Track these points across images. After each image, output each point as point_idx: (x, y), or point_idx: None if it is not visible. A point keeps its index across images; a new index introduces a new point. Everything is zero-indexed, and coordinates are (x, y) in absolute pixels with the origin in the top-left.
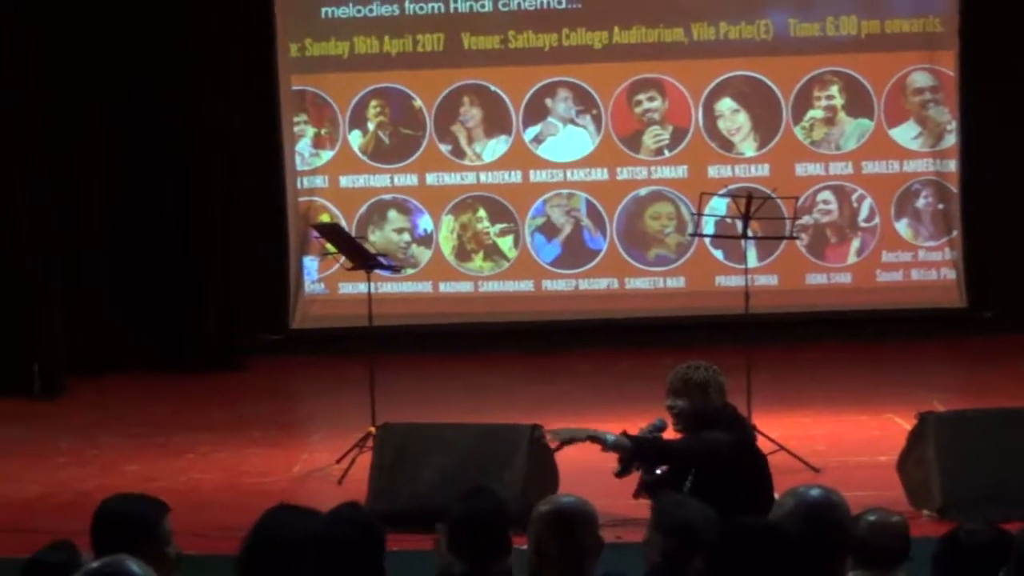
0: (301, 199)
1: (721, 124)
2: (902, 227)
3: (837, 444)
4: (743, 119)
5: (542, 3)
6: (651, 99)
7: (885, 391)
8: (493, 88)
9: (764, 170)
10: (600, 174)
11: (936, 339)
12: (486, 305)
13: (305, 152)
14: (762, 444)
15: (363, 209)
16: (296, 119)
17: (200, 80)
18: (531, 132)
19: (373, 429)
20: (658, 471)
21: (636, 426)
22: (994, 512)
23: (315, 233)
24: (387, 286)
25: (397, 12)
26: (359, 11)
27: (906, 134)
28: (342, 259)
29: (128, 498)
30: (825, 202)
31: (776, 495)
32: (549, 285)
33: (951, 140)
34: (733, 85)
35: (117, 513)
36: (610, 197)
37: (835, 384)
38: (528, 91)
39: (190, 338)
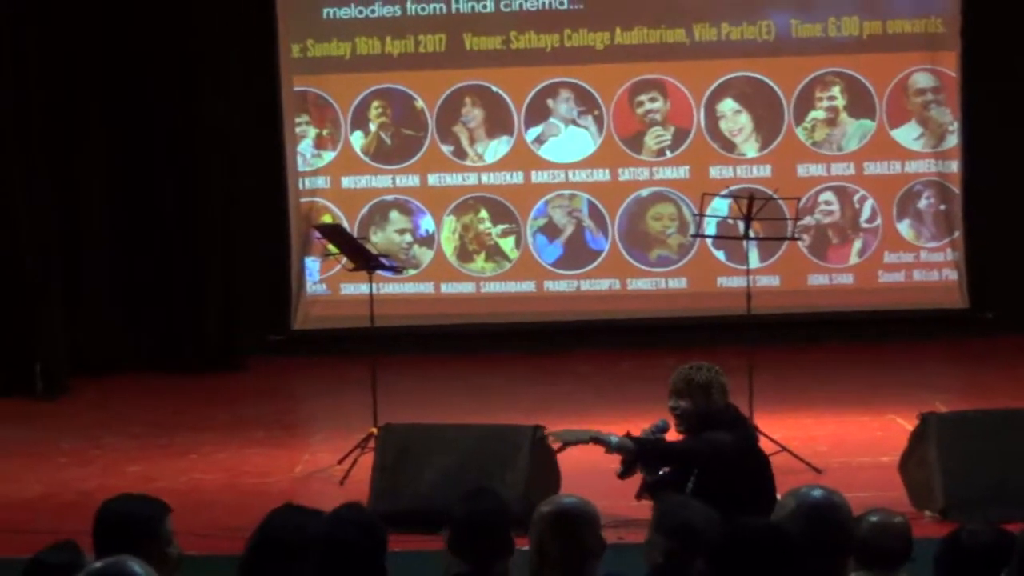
0: (303, 200)
1: (723, 125)
2: (904, 228)
3: (839, 445)
4: (745, 120)
5: (544, 4)
6: (653, 100)
7: (887, 392)
8: (495, 89)
9: (766, 171)
10: (602, 175)
11: (938, 340)
12: (488, 306)
13: (307, 153)
14: (764, 445)
15: (365, 210)
16: (298, 120)
17: (200, 80)
18: (533, 133)
19: (375, 430)
20: (661, 472)
21: (638, 427)
22: (996, 513)
23: (317, 234)
24: (389, 287)
25: (399, 13)
26: (361, 12)
27: (908, 135)
28: (344, 260)
29: (129, 498)
30: (827, 203)
31: (778, 496)
32: (551, 286)
33: (953, 141)
34: (735, 86)
35: (118, 513)
36: (612, 198)
37: (837, 385)
38: (530, 92)
39: (190, 338)
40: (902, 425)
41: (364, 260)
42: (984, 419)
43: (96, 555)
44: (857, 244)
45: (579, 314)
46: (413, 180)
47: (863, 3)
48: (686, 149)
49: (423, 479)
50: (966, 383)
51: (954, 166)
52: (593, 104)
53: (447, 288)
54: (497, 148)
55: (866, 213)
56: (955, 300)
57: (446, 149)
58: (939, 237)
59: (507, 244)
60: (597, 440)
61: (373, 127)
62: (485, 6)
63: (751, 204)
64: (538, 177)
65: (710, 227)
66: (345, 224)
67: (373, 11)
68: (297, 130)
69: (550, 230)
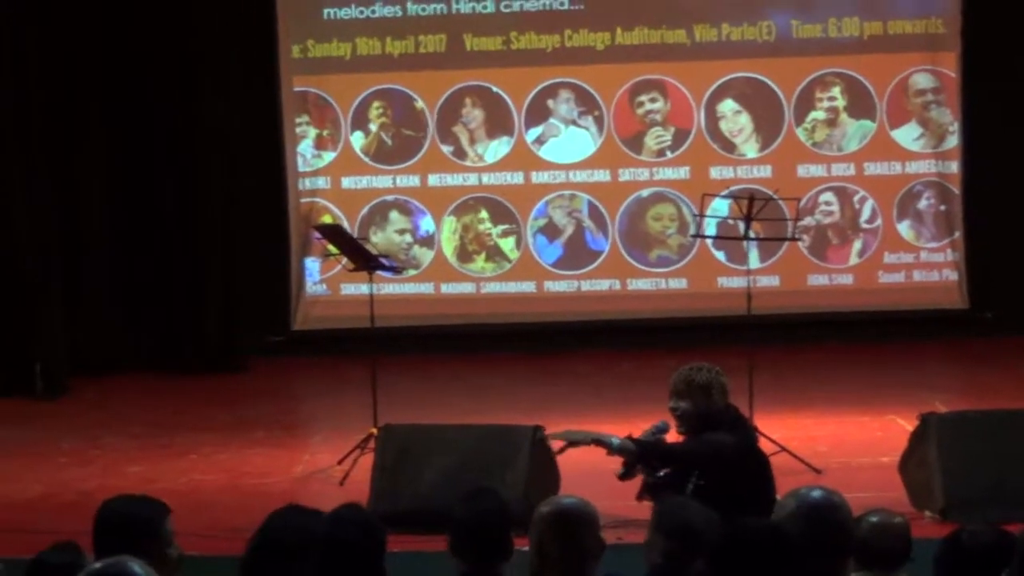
0: (303, 200)
1: (723, 125)
2: (904, 228)
3: (839, 445)
4: (745, 120)
5: (544, 4)
6: (653, 100)
7: (887, 392)
8: (495, 89)
9: (766, 171)
10: (602, 175)
11: (938, 340)
12: (488, 306)
13: (307, 153)
14: (764, 445)
15: (365, 210)
16: (298, 120)
17: (200, 80)
18: (533, 133)
19: (375, 430)
20: (661, 473)
21: (638, 428)
22: (996, 513)
23: (317, 234)
24: (389, 287)
25: (399, 13)
26: (361, 12)
27: (908, 135)
28: (344, 260)
29: (130, 499)
30: (827, 203)
31: (778, 496)
32: (551, 286)
33: (953, 141)
34: (735, 86)
35: (119, 514)
36: (612, 198)
37: (837, 385)
38: (530, 92)
39: (190, 339)
40: (902, 425)
41: (364, 260)
42: (984, 419)
43: (96, 555)
44: (857, 244)
45: (579, 314)
46: (413, 180)
47: (863, 4)
48: (686, 149)
49: (423, 479)
50: (966, 383)
51: (954, 167)
52: (593, 104)
53: (447, 288)
54: (497, 148)
55: (866, 213)
56: (955, 300)
57: (446, 149)
58: (939, 237)
59: (507, 244)
60: (599, 442)
61: (373, 127)
62: (485, 7)
63: (751, 204)
64: (538, 177)
65: (710, 227)
66: (345, 224)
67: (373, 11)
68: (297, 130)
69: (550, 230)
